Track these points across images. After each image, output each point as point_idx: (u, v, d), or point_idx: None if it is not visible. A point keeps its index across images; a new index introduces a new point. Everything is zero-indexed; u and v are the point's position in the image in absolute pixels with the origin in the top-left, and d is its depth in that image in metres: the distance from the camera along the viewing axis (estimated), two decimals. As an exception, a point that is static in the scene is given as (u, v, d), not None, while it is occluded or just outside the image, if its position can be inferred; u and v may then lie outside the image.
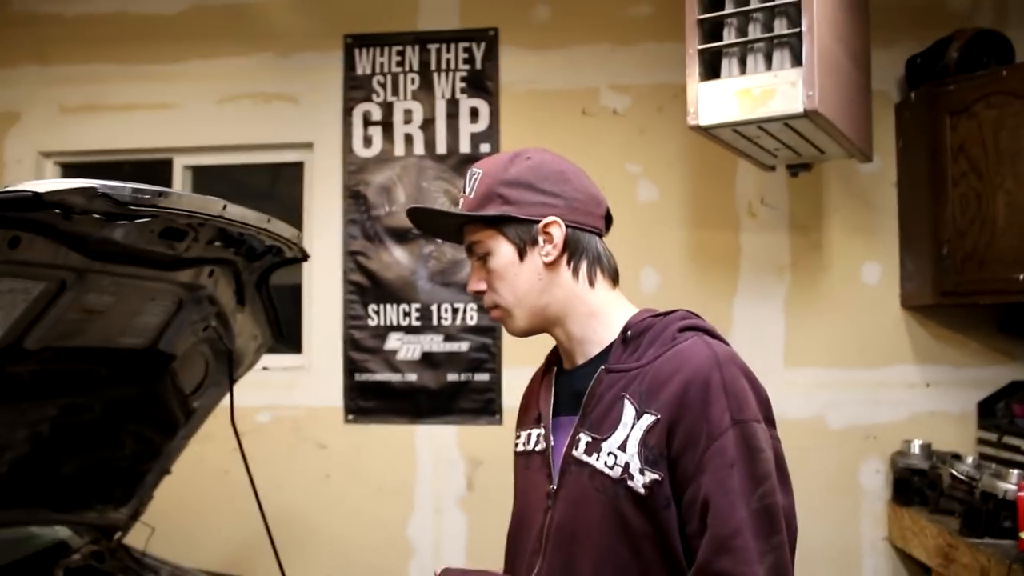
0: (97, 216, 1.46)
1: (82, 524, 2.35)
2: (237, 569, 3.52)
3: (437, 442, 3.74)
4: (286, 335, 2.50)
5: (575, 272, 1.37)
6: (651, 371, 1.26)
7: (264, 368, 3.77)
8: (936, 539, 2.87)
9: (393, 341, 3.79)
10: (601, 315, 1.38)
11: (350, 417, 3.79)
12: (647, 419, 1.23)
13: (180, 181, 3.97)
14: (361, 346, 3.81)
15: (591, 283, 1.38)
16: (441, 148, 3.77)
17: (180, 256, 1.81)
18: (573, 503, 1.31)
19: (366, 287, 3.81)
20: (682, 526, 1.20)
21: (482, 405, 3.73)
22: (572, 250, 1.36)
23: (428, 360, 3.77)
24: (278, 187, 4.19)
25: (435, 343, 3.76)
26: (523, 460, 1.47)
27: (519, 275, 1.36)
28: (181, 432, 2.37)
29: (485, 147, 3.72)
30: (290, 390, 3.84)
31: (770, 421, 1.27)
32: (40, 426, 1.92)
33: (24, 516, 2.10)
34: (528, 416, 1.50)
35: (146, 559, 2.47)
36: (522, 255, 1.36)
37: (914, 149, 3.30)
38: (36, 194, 1.26)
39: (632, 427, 1.24)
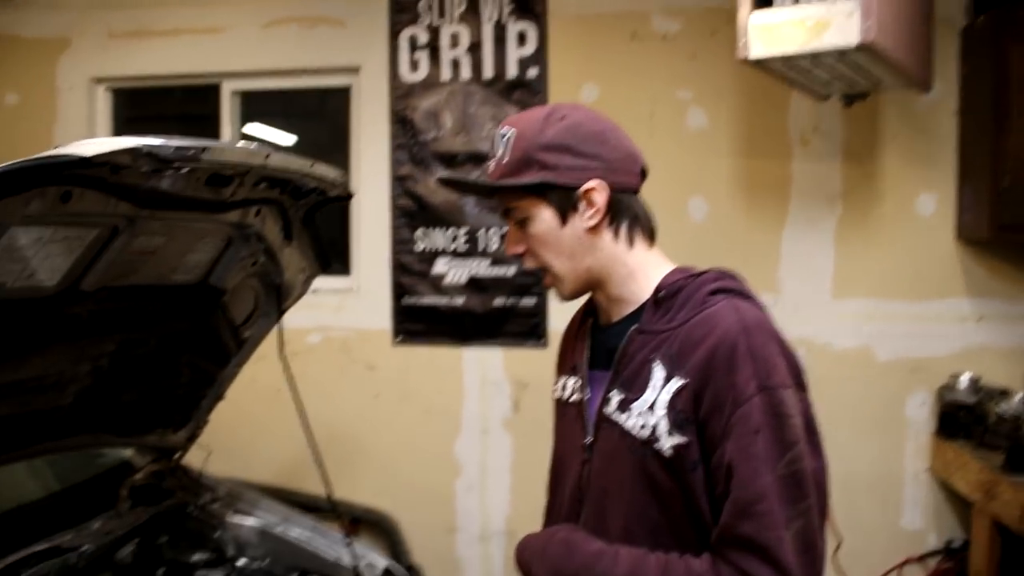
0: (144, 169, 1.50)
1: (144, 446, 2.46)
2: (291, 484, 3.68)
3: (483, 365, 3.80)
4: (333, 263, 2.54)
5: (616, 234, 1.36)
6: (681, 334, 1.26)
7: (314, 290, 3.82)
8: (979, 474, 2.87)
9: (440, 265, 3.83)
10: (637, 275, 1.37)
11: (398, 339, 3.87)
12: (676, 383, 1.24)
13: (228, 105, 4.00)
14: (409, 270, 3.85)
15: (630, 244, 1.37)
16: (488, 73, 3.72)
17: (226, 200, 1.85)
18: (606, 459, 1.33)
19: (413, 211, 3.84)
20: (712, 488, 1.22)
21: (528, 329, 3.77)
22: (614, 212, 1.35)
23: (475, 284, 3.80)
24: (327, 107, 4.19)
25: (482, 267, 3.79)
26: (560, 408, 1.51)
27: (561, 240, 1.35)
28: (233, 361, 2.45)
29: (532, 72, 3.66)
30: (339, 312, 3.92)
31: (801, 386, 1.27)
32: (100, 360, 2.00)
33: (91, 440, 2.20)
34: (565, 364, 1.52)
35: (203, 479, 2.58)
36: (563, 221, 1.34)
37: (978, 77, 3.17)
38: (84, 157, 1.29)
39: (661, 390, 1.25)
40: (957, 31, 3.26)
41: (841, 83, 2.84)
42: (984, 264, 3.31)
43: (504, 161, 1.35)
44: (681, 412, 1.22)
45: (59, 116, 4.09)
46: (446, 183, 1.42)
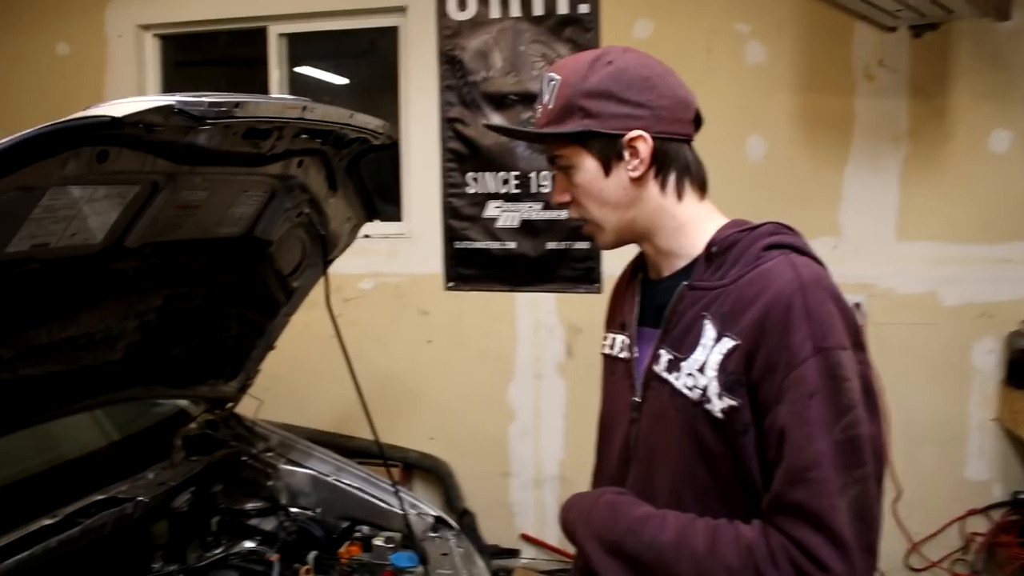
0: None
1: (197, 397, 2.49)
2: (345, 429, 3.72)
3: (537, 309, 3.77)
4: (380, 212, 2.51)
5: (663, 185, 1.30)
6: (733, 292, 1.20)
7: (366, 236, 3.81)
8: (1048, 424, 2.78)
9: (492, 209, 3.78)
10: (688, 229, 1.31)
11: (450, 284, 3.85)
12: (727, 343, 1.18)
13: (275, 48, 3.96)
14: (460, 214, 3.81)
15: (679, 196, 1.31)
16: (538, 9, 3.61)
17: (266, 153, 1.81)
18: (655, 419, 1.29)
19: (464, 155, 3.78)
20: (763, 452, 1.17)
21: (581, 273, 3.72)
22: (660, 163, 1.28)
23: (527, 228, 3.75)
24: (378, 47, 4.11)
25: (534, 211, 3.73)
26: (609, 364, 1.45)
27: (604, 190, 1.30)
28: (283, 311, 2.44)
29: (584, 7, 3.54)
30: (391, 257, 3.90)
31: (860, 346, 1.20)
32: (148, 315, 2.00)
33: (144, 392, 2.22)
34: (614, 320, 1.47)
35: (256, 427, 2.61)
36: (607, 170, 1.29)
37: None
38: (115, 118, 1.26)
39: (711, 350, 1.20)
40: (1039, -47, 3.05)
41: (909, 12, 2.68)
42: (1062, 204, 3.15)
43: (549, 108, 1.31)
44: (732, 374, 1.17)
45: (109, 64, 4.10)
46: (493, 129, 1.41)
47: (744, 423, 1.17)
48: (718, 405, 1.18)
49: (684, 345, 1.24)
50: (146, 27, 4.11)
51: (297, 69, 4.17)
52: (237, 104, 1.47)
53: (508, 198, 3.75)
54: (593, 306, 3.62)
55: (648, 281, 1.40)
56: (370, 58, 4.22)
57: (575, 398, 3.71)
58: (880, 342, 3.25)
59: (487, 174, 3.76)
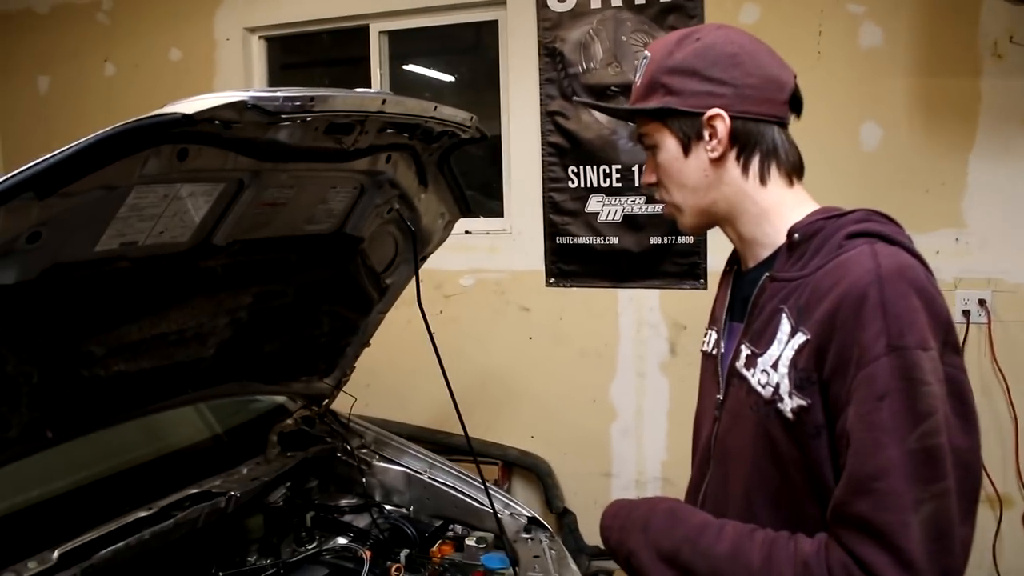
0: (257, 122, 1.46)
1: (291, 393, 2.51)
2: (445, 426, 3.71)
3: (639, 306, 3.67)
4: (473, 208, 2.47)
5: (745, 168, 1.24)
6: (811, 283, 1.13)
7: (466, 232, 3.82)
8: None
9: (594, 203, 3.70)
10: (772, 216, 1.25)
11: (551, 280, 3.79)
12: (799, 338, 1.11)
13: (377, 46, 3.99)
14: (561, 209, 3.75)
15: (763, 180, 1.25)
16: (640, -3, 3.51)
17: (350, 148, 1.79)
18: (733, 417, 1.25)
19: (565, 148, 3.71)
20: (836, 457, 1.08)
21: (686, 269, 3.60)
22: (741, 144, 1.23)
23: (629, 222, 3.66)
24: (482, 42, 4.09)
25: (636, 205, 3.64)
26: (704, 361, 1.42)
27: (683, 171, 1.26)
28: (377, 308, 2.44)
29: (687, -7, 3.42)
30: (492, 253, 3.87)
31: (951, 347, 1.08)
32: (239, 313, 2.02)
33: (238, 388, 2.25)
34: (712, 315, 1.44)
35: (352, 424, 2.61)
36: (686, 150, 1.25)
37: None
38: (186, 115, 1.25)
39: (785, 345, 1.14)
40: None
41: (1043, -16, 2.47)
42: None
43: (637, 85, 1.30)
44: (803, 371, 1.10)
45: (218, 68, 4.22)
46: (581, 103, 1.40)
47: (816, 425, 1.09)
48: (789, 404, 1.12)
49: (762, 340, 1.19)
50: (252, 30, 4.21)
51: (404, 67, 4.19)
52: (312, 98, 1.45)
53: (610, 192, 3.66)
54: (698, 303, 3.52)
55: (739, 273, 1.35)
56: (475, 54, 4.20)
57: (678, 397, 3.60)
58: (1007, 342, 3.03)
59: (588, 167, 3.68)
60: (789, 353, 1.12)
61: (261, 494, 2.24)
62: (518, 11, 3.70)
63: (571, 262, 3.76)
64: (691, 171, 1.26)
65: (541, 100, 3.70)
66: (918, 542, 0.98)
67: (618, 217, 3.67)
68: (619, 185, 3.64)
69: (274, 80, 4.28)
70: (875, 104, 3.18)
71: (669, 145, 1.26)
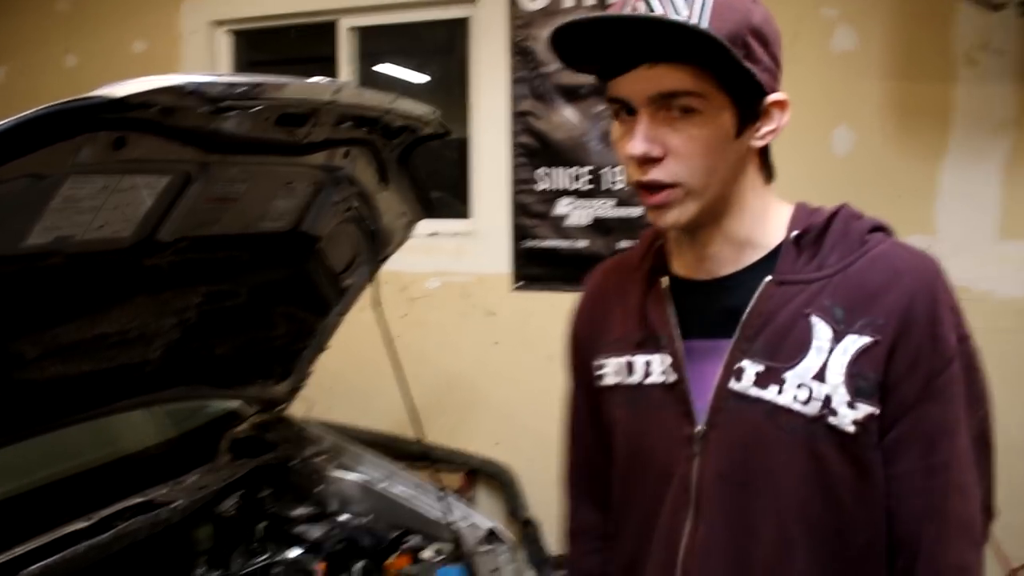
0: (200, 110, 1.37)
1: (245, 398, 2.41)
2: (407, 431, 3.61)
3: (608, 311, 3.60)
4: (436, 207, 2.39)
5: (763, 162, 1.12)
6: (845, 282, 1.04)
7: (432, 234, 3.74)
8: None
9: (563, 206, 3.62)
10: (770, 214, 1.12)
11: (518, 284, 3.71)
12: (856, 340, 1.02)
13: (346, 43, 3.89)
14: (530, 211, 3.67)
15: (767, 177, 1.14)
16: (613, -4, 3.44)
17: (303, 141, 1.71)
18: (741, 447, 1.07)
19: (535, 149, 3.63)
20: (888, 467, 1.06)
21: (656, 273, 3.53)
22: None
23: (599, 226, 3.58)
24: (456, 41, 4.00)
25: (606, 208, 3.56)
26: (629, 395, 1.18)
27: (725, 152, 1.04)
28: (335, 310, 2.36)
29: (660, -6, 3.36)
30: (458, 256, 3.79)
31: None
32: (187, 313, 1.93)
33: (186, 393, 2.16)
34: (619, 338, 1.21)
35: (308, 430, 2.52)
36: (740, 131, 1.04)
37: None
38: (117, 99, 1.17)
39: (830, 352, 1.02)
40: None
41: (1018, -11, 2.44)
42: None
43: (699, 23, 0.97)
44: (871, 375, 1.01)
45: (183, 61, 4.10)
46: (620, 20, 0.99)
47: (876, 434, 1.03)
48: (849, 416, 1.01)
49: (783, 351, 1.05)
50: (219, 23, 4.09)
51: (376, 68, 4.10)
52: (258, 85, 1.37)
53: (579, 195, 3.59)
54: (667, 308, 3.45)
55: (684, 283, 1.15)
56: (448, 55, 4.12)
57: (648, 404, 3.53)
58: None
59: (558, 169, 3.61)
60: (843, 359, 1.02)
61: (210, 503, 2.15)
62: (489, 8, 3.62)
63: (539, 265, 3.68)
64: (732, 154, 1.05)
65: (511, 100, 3.63)
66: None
67: (587, 220, 3.59)
68: (589, 187, 3.57)
69: (238, 76, 4.18)
70: (848, 108, 3.13)
71: (722, 118, 1.02)
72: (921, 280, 1.03)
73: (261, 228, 1.97)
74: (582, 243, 3.61)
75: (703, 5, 0.97)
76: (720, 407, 1.08)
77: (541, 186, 3.64)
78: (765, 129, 1.06)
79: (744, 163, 1.08)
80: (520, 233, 3.68)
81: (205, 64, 4.07)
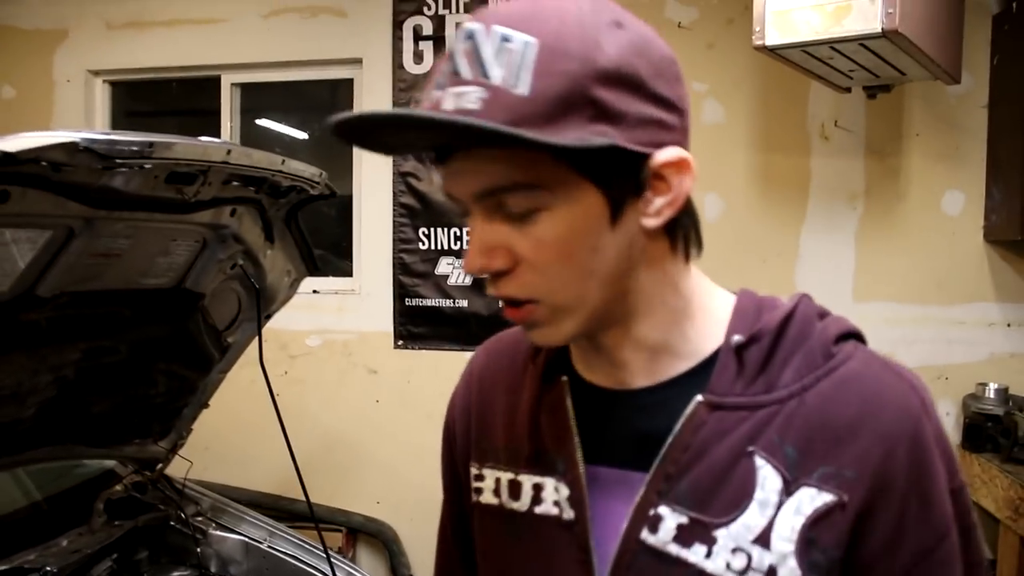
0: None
1: (122, 457, 2.35)
2: (290, 491, 3.56)
3: (489, 369, 3.66)
4: (320, 266, 2.41)
5: (674, 242, 0.82)
6: (802, 411, 0.77)
7: (314, 291, 3.73)
8: (1007, 491, 2.70)
9: (444, 265, 3.69)
10: (694, 309, 0.84)
11: (400, 342, 3.74)
12: (813, 497, 0.75)
13: (228, 98, 3.89)
14: (411, 270, 3.72)
15: (687, 258, 0.83)
16: (493, 65, 3.57)
17: (192, 200, 1.72)
18: None
19: (417, 210, 3.70)
20: None
21: (535, 331, 3.62)
22: (684, 206, 0.80)
23: (479, 285, 3.66)
24: (338, 99, 4.05)
25: (487, 268, 3.64)
26: (511, 523, 0.91)
27: (599, 252, 0.75)
28: (217, 367, 2.33)
29: (540, 63, 3.51)
30: (340, 314, 3.79)
31: None
32: (64, 370, 1.88)
33: (60, 452, 2.09)
34: (503, 446, 0.93)
35: (187, 490, 2.47)
36: (615, 215, 0.75)
37: (1011, 66, 2.99)
38: (7, 153, 1.17)
39: (778, 507, 0.76)
40: (989, 18, 3.07)
41: (863, 74, 2.68)
42: (1014, 266, 3.13)
43: (516, 92, 0.69)
44: (830, 548, 0.75)
45: (56, 110, 3.99)
46: (418, 116, 0.71)
47: None
48: None
49: (716, 500, 0.78)
50: (97, 72, 4.01)
51: (256, 121, 4.10)
52: (151, 144, 1.39)
53: (460, 254, 3.67)
54: (547, 365, 3.54)
55: (590, 389, 0.87)
56: (330, 112, 4.13)
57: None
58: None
59: (439, 229, 3.68)
60: (794, 520, 0.76)
61: (83, 568, 2.07)
62: (374, 71, 3.70)
63: (420, 324, 3.72)
64: (612, 249, 0.76)
65: (394, 160, 3.70)
66: None
67: (468, 280, 3.67)
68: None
69: (118, 127, 4.09)
70: (717, 177, 3.34)
71: (583, 206, 0.74)
72: (906, 419, 0.76)
73: (144, 284, 1.95)
74: (463, 302, 3.67)
75: (522, 58, 0.69)
76: (628, 562, 0.81)
77: (423, 245, 3.70)
78: (659, 202, 0.76)
79: (640, 251, 0.78)
80: (402, 292, 3.73)
81: (80, 113, 3.97)
